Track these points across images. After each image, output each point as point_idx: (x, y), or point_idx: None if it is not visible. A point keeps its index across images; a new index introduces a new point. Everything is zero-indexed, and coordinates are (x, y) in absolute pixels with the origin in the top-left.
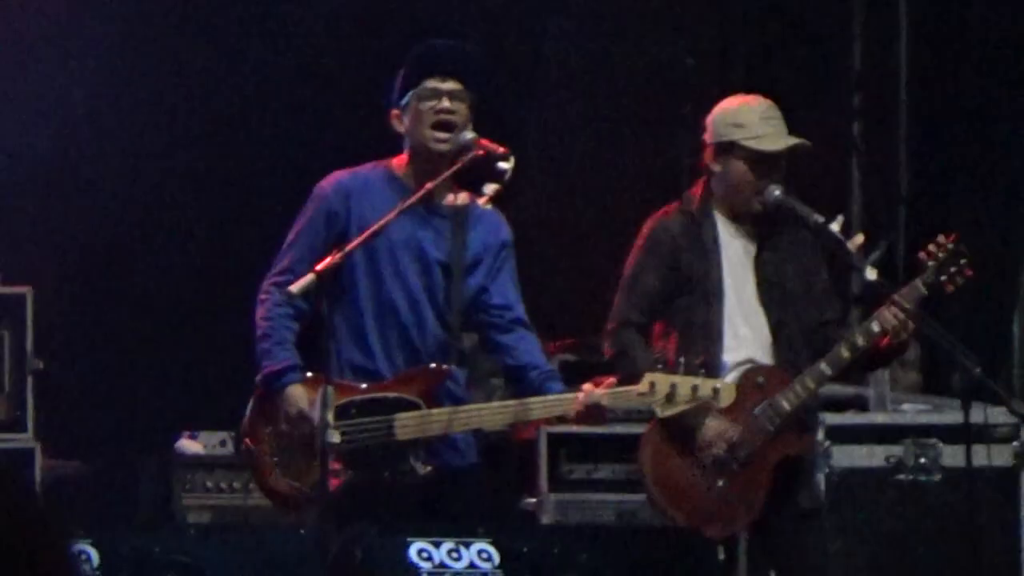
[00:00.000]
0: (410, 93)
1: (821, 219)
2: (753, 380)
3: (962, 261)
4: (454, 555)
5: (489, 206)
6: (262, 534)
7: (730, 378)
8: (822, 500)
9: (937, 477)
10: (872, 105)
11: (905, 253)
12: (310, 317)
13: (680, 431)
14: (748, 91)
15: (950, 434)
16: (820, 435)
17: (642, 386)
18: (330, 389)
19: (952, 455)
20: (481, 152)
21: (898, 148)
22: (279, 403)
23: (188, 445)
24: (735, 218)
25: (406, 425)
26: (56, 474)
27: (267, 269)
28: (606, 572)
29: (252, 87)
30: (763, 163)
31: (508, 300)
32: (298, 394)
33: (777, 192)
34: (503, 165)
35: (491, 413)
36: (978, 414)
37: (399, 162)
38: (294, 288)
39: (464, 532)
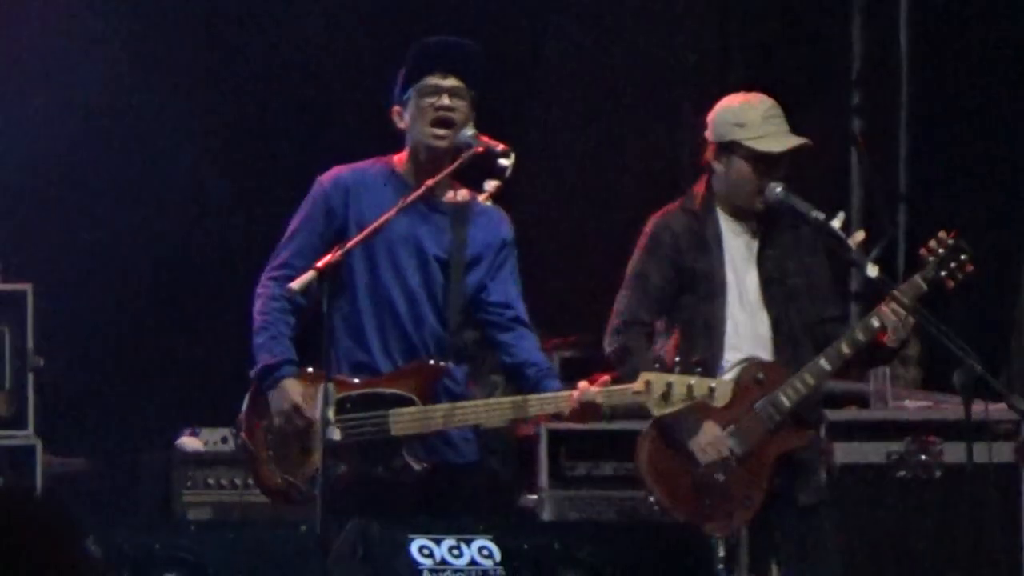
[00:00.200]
0: (411, 89)
1: (822, 216)
2: (753, 375)
3: (963, 257)
4: (455, 552)
5: (490, 203)
6: (263, 530)
7: (730, 374)
8: (821, 496)
9: (938, 474)
10: (872, 103)
11: (905, 250)
12: (308, 312)
13: (677, 430)
14: (748, 89)
15: (951, 431)
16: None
17: (638, 385)
18: (331, 386)
19: (953, 452)
20: (481, 149)
21: (898, 145)
22: (274, 396)
23: (189, 442)
24: (737, 215)
25: (402, 421)
26: (57, 471)
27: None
28: (607, 568)
29: (253, 86)
30: (764, 162)
31: (508, 298)
32: (293, 388)
33: (778, 190)
34: (503, 162)
35: (487, 410)
36: (979, 411)
37: (400, 159)
38: (295, 285)
39: (465, 529)
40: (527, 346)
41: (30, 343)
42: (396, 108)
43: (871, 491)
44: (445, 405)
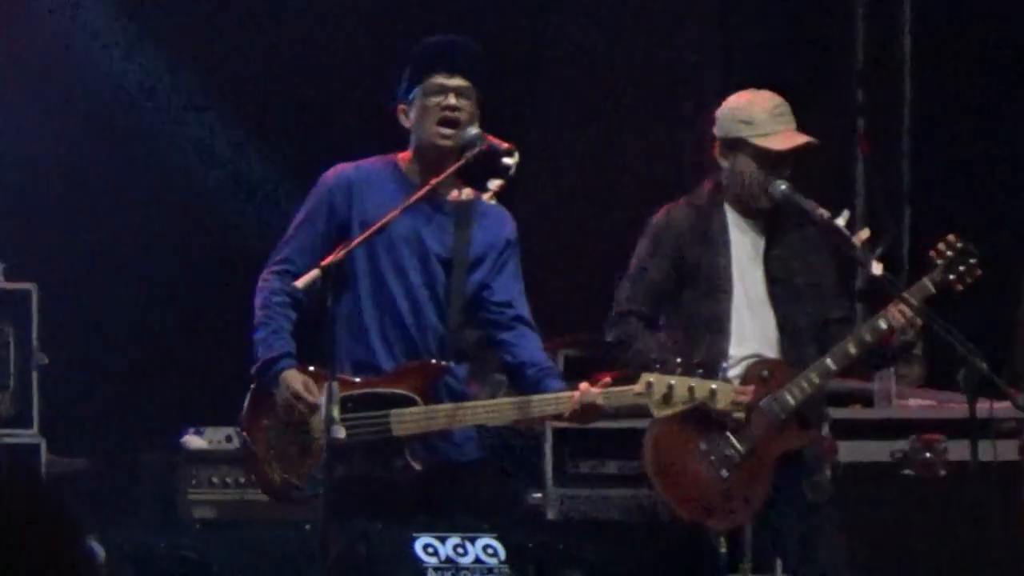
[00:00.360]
0: (416, 88)
1: (826, 214)
2: (758, 373)
3: (971, 261)
4: (460, 550)
5: (494, 201)
6: (267, 529)
7: (734, 372)
8: (826, 495)
9: (941, 472)
10: (875, 101)
11: (909, 248)
12: (308, 307)
13: (683, 425)
14: (750, 87)
15: (955, 429)
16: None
17: (639, 386)
18: (335, 385)
19: (957, 450)
20: (485, 147)
21: (901, 144)
22: (274, 391)
23: (193, 441)
24: (745, 213)
25: (404, 422)
26: (61, 470)
27: None
28: (612, 567)
29: (256, 85)
30: (769, 160)
31: (510, 297)
32: (294, 378)
33: (783, 187)
34: (507, 161)
35: (490, 410)
36: (983, 409)
37: (404, 157)
38: (300, 283)
39: (470, 527)
40: (528, 345)
41: (35, 342)
42: (401, 107)
43: (875, 489)
44: (448, 405)
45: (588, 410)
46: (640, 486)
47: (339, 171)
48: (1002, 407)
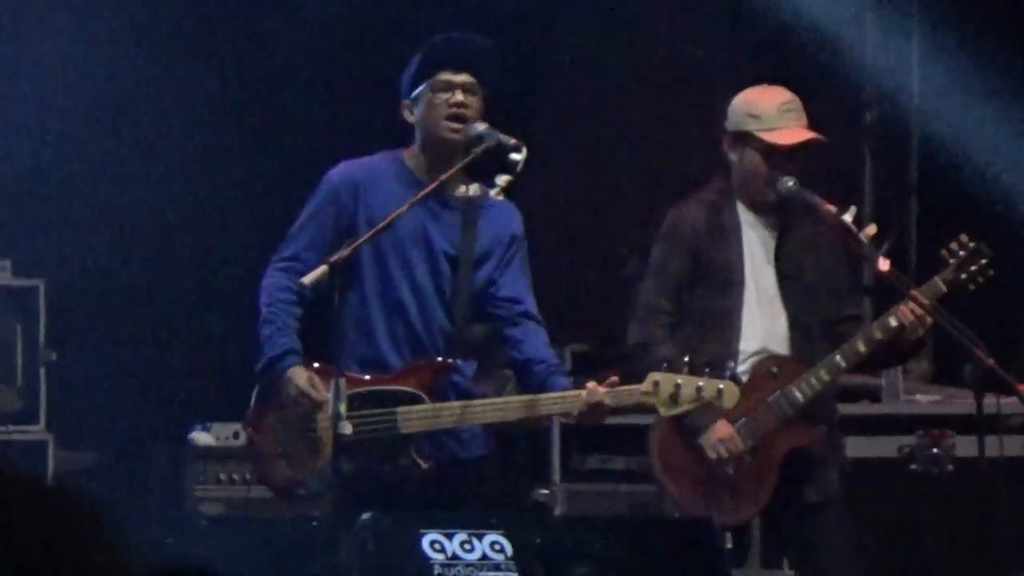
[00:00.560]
0: (423, 84)
1: (834, 210)
2: (767, 369)
3: (983, 261)
4: (467, 546)
5: (501, 197)
6: (274, 525)
7: (744, 367)
8: (833, 493)
9: (949, 468)
10: (883, 95)
11: (917, 244)
12: (312, 303)
13: (690, 425)
14: (757, 83)
15: (962, 424)
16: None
17: (646, 385)
18: (342, 381)
19: (964, 446)
20: (494, 143)
21: (909, 138)
22: (279, 387)
23: (200, 437)
24: (755, 209)
25: (411, 419)
26: (69, 465)
27: None
28: (618, 563)
29: (260, 81)
30: (776, 155)
31: (516, 293)
32: (299, 374)
33: (790, 183)
34: (515, 156)
35: (496, 409)
36: (990, 404)
37: (409, 153)
38: (307, 280)
39: (477, 523)
40: (535, 342)
41: (42, 338)
42: (405, 103)
43: (882, 485)
44: (455, 403)
45: (595, 409)
46: (647, 482)
47: (344, 168)
48: (1009, 403)
